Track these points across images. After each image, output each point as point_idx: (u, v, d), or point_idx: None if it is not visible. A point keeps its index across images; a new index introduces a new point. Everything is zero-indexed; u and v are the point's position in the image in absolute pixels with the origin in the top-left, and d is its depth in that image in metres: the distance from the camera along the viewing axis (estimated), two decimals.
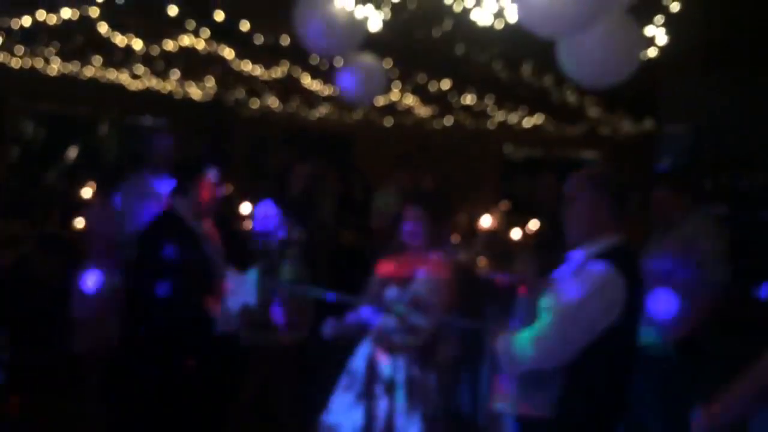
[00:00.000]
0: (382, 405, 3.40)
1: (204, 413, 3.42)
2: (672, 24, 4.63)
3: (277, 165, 7.00)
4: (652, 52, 4.79)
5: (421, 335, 3.45)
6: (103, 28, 7.05)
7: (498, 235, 6.08)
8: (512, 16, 4.10)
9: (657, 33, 4.58)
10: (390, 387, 3.42)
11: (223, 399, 3.50)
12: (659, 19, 4.56)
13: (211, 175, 3.51)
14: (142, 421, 3.39)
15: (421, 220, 3.55)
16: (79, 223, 6.33)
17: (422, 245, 3.57)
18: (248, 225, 5.38)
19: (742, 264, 4.60)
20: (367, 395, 3.42)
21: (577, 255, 2.79)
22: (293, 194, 4.83)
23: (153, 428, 3.36)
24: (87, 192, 7.20)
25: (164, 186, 3.92)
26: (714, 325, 4.15)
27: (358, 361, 3.53)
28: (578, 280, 2.68)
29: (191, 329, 3.36)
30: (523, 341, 2.70)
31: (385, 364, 3.47)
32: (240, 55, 8.56)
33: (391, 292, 3.50)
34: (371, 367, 3.47)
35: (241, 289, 3.45)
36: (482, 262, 5.44)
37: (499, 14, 4.55)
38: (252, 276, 3.47)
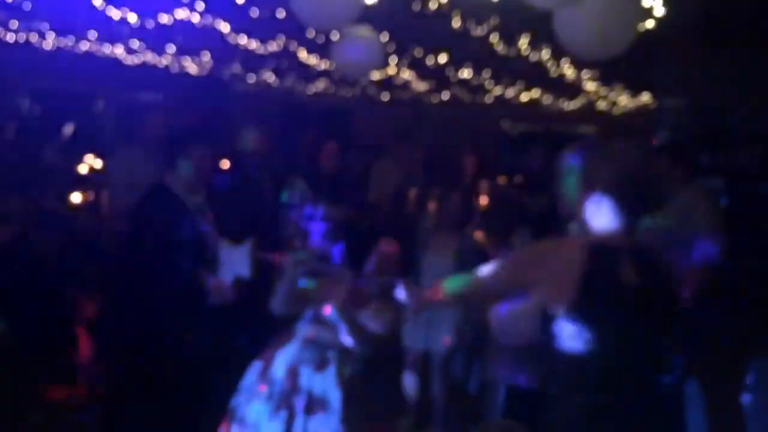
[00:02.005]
0: (299, 422, 3.07)
1: (198, 385, 3.44)
2: None
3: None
4: (649, 24, 4.76)
5: (352, 361, 3.22)
6: (97, 1, 6.98)
7: (496, 209, 6.07)
8: None
9: (655, 4, 4.55)
10: (312, 405, 3.10)
11: (216, 372, 3.50)
12: None
13: (204, 149, 3.50)
14: (137, 394, 3.41)
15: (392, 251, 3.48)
16: (77, 198, 6.35)
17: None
18: None
19: (737, 236, 4.61)
20: (286, 408, 3.10)
21: (571, 228, 2.79)
22: (325, 172, 4.78)
23: (147, 400, 3.38)
24: (84, 167, 7.21)
25: (157, 160, 3.91)
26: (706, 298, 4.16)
27: (276, 370, 3.17)
28: None
29: (184, 302, 3.37)
30: (517, 313, 2.72)
31: (311, 378, 3.14)
32: (236, 30, 8.49)
33: (329, 311, 3.25)
34: (293, 377, 3.14)
35: (234, 262, 3.47)
36: (480, 236, 5.44)
37: None
38: (245, 248, 3.49)
